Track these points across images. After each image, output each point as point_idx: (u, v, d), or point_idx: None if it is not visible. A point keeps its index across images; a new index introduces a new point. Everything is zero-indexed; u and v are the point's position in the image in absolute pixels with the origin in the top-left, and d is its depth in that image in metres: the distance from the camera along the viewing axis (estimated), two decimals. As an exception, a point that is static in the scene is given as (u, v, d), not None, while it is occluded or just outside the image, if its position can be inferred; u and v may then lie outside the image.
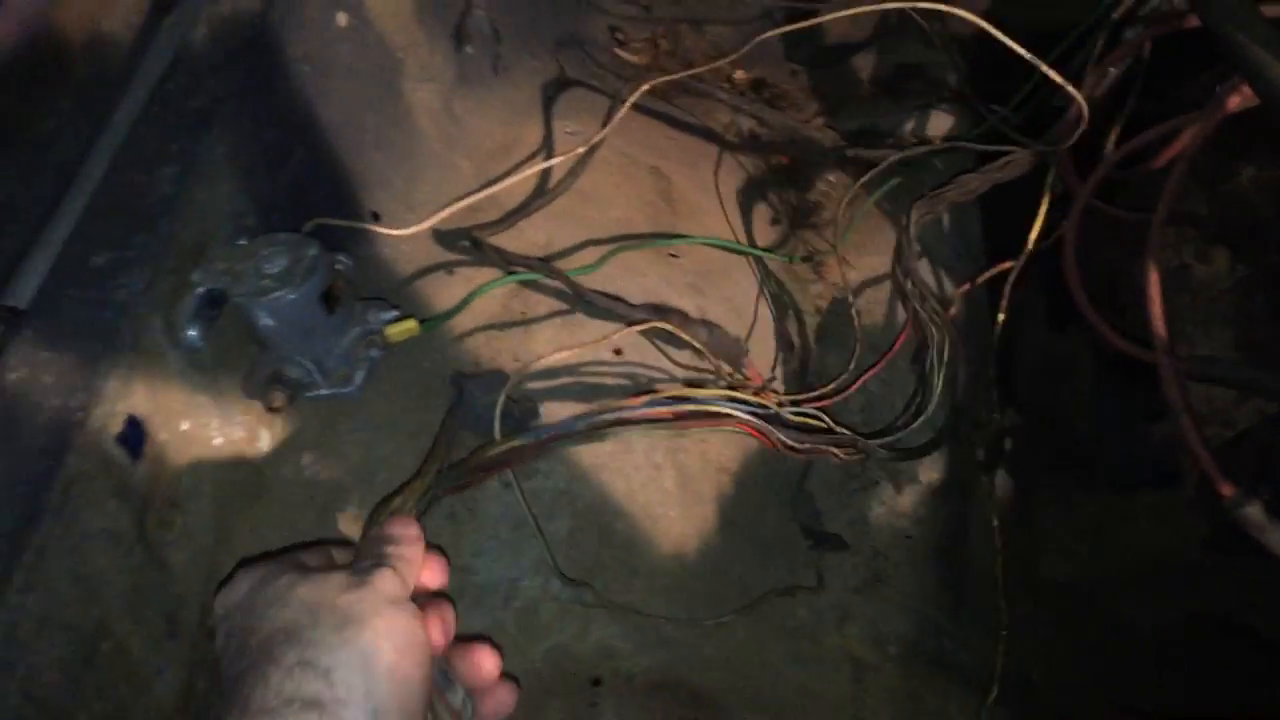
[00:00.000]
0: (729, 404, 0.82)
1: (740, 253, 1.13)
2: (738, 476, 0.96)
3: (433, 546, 0.65)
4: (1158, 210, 0.87)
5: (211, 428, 0.72)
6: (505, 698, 0.66)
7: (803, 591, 0.95)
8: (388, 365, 0.81)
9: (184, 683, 0.67)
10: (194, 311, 0.69)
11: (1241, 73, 0.75)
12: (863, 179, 1.10)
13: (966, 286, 1.10)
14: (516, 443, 0.74)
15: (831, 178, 1.25)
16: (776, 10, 1.34)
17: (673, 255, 1.07)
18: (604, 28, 1.38)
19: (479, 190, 0.91)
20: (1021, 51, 0.87)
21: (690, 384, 0.91)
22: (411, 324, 0.79)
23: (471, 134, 1.08)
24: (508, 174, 0.98)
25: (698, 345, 0.89)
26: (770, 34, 1.04)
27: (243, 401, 0.75)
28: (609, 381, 0.91)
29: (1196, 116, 0.88)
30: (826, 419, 0.89)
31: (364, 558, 0.60)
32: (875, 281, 1.15)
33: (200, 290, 0.69)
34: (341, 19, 0.91)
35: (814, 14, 1.00)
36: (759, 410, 0.84)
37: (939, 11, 1.01)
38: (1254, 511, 0.76)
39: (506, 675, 0.67)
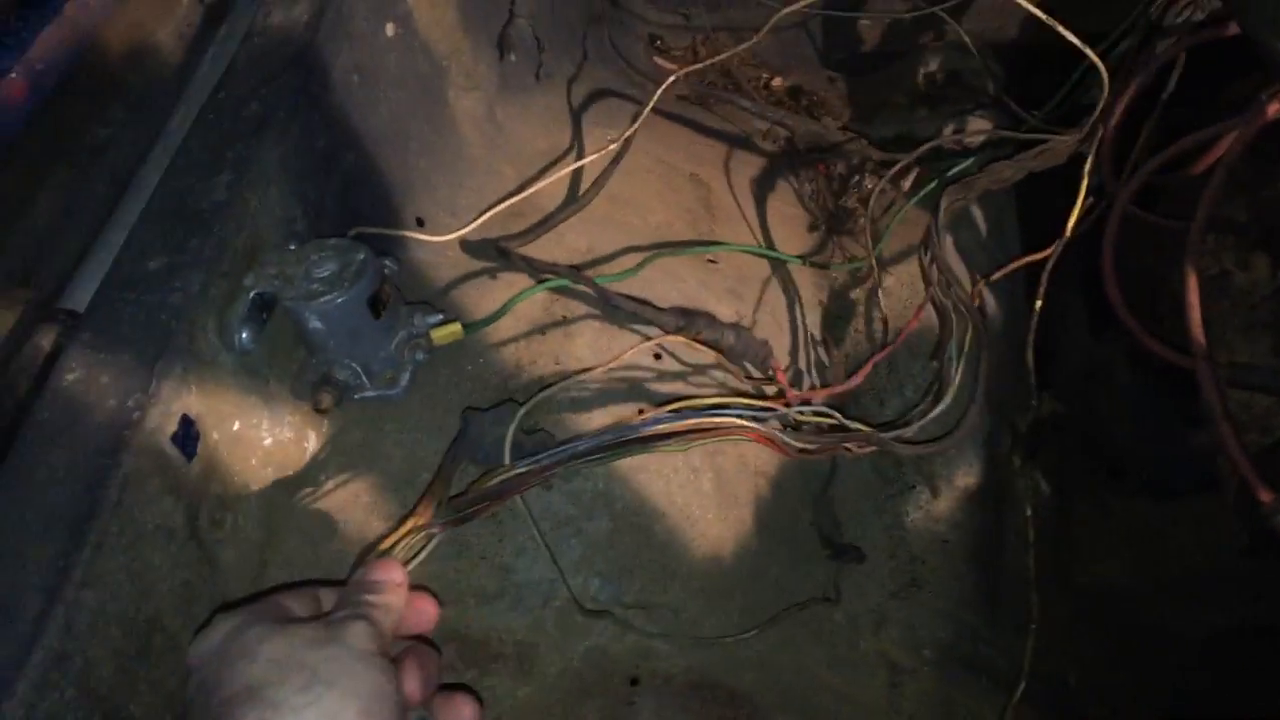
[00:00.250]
0: (734, 412, 0.81)
1: (778, 260, 1.14)
2: (774, 480, 0.96)
3: (419, 588, 0.65)
4: (1197, 216, 0.87)
5: (261, 428, 0.74)
6: None
7: (818, 603, 0.94)
8: (431, 368, 0.82)
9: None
10: (246, 314, 0.70)
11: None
12: (899, 183, 1.10)
13: (996, 274, 1.09)
14: (515, 473, 0.73)
15: (868, 184, 1.25)
16: (811, 19, 1.35)
17: (711, 261, 1.08)
18: (644, 36, 1.39)
19: (515, 195, 0.93)
20: (1071, 38, 0.87)
21: (717, 393, 0.91)
22: (456, 327, 0.80)
23: (514, 141, 1.09)
24: (540, 176, 0.99)
25: (717, 352, 0.89)
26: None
27: (291, 403, 0.76)
28: (647, 385, 0.91)
29: (1237, 122, 0.88)
30: (837, 415, 0.89)
31: (342, 606, 0.59)
32: (911, 285, 1.15)
33: (252, 294, 0.71)
34: (389, 29, 0.93)
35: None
36: (769, 414, 0.83)
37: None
38: (1294, 519, 0.76)
39: None
